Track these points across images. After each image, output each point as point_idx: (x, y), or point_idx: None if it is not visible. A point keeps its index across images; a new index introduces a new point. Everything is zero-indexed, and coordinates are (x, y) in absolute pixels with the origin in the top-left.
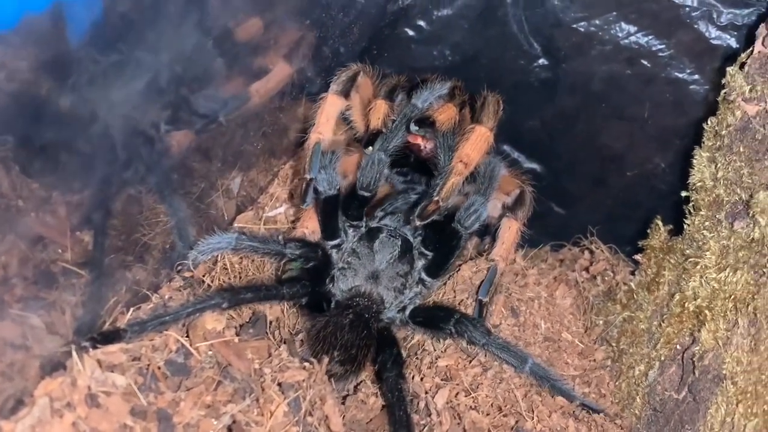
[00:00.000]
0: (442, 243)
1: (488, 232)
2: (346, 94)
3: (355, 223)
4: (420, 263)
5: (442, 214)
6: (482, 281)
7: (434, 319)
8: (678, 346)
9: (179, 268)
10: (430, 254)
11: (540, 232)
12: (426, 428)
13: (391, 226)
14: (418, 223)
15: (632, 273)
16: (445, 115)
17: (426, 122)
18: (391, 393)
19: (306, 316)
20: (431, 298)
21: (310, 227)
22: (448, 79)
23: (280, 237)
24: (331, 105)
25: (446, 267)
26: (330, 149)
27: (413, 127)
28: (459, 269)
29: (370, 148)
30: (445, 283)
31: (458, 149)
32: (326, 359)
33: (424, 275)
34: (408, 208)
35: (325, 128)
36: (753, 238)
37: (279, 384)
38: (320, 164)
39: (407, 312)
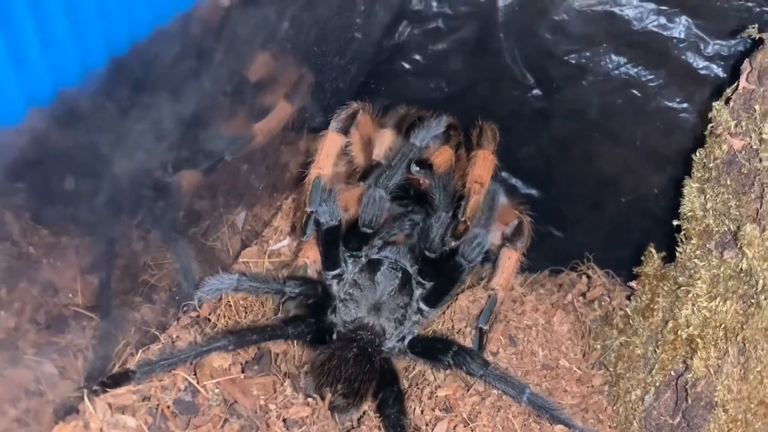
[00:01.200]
0: (444, 275)
1: (488, 258)
2: (345, 131)
3: (355, 253)
4: (418, 293)
5: (438, 251)
6: (481, 310)
7: (432, 350)
8: (672, 372)
9: (185, 308)
10: (428, 284)
11: (539, 257)
12: None
13: (392, 257)
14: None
15: (628, 298)
16: (442, 158)
17: (425, 164)
18: (393, 430)
19: (310, 349)
20: (431, 328)
21: (312, 257)
22: (444, 114)
23: (281, 275)
24: (331, 142)
25: (445, 298)
26: (330, 184)
27: (414, 168)
28: (456, 299)
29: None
30: (443, 312)
31: (469, 173)
32: (329, 394)
33: (422, 305)
34: (407, 237)
35: (325, 164)
36: (741, 269)
37: (284, 420)
38: (320, 198)
39: (406, 342)
